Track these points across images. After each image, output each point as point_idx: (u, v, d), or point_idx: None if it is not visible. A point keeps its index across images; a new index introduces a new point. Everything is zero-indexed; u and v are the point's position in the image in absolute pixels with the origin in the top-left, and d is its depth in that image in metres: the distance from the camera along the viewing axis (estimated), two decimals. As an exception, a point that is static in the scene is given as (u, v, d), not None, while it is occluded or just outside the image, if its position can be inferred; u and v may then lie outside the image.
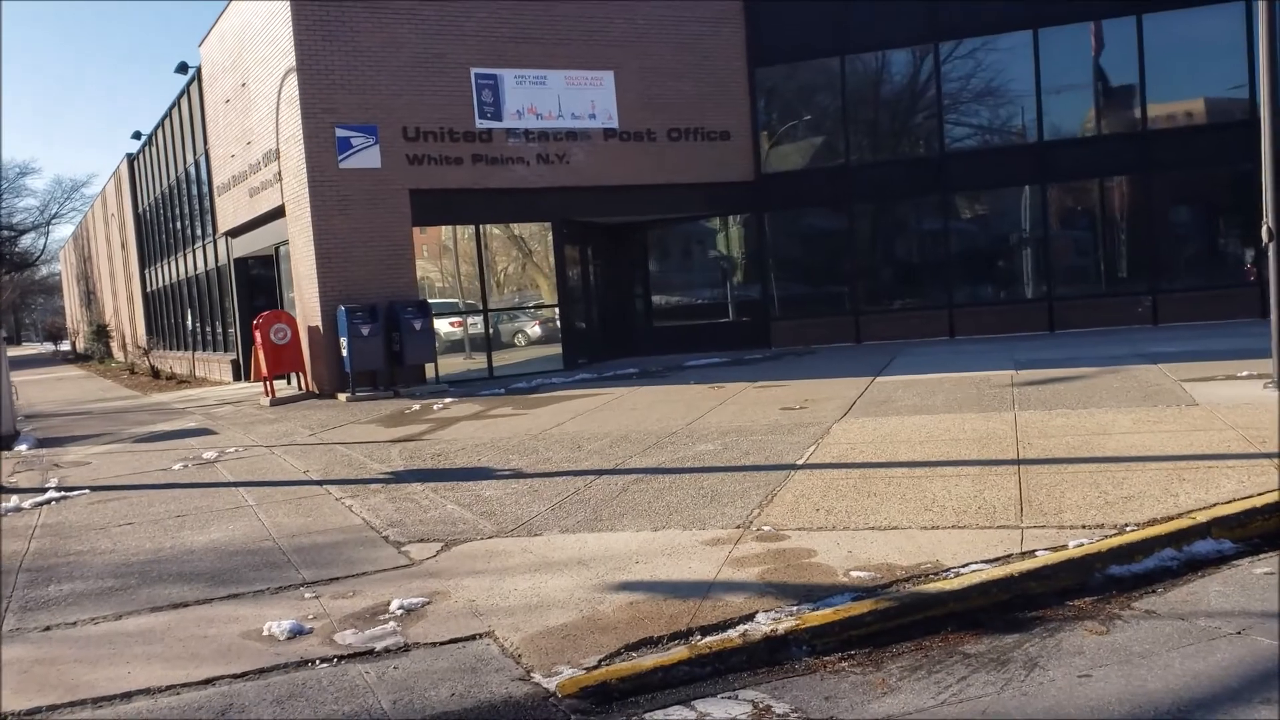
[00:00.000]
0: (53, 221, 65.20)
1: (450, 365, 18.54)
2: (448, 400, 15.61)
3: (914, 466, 8.24)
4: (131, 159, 35.81)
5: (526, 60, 18.31)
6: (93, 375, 36.11)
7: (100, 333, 44.49)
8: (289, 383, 19.21)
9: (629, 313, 21.94)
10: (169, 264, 31.63)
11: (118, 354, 42.54)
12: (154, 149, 31.63)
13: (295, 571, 6.63)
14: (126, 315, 41.28)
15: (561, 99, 18.62)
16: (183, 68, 24.31)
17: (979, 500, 6.96)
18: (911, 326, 19.66)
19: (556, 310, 19.53)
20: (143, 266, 36.34)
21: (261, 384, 18.05)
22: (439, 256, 19.86)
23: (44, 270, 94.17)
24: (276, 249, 20.33)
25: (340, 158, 17.03)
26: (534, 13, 18.34)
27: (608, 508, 7.69)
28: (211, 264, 25.88)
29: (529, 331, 20.81)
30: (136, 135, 32.28)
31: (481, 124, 18.00)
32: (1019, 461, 8.04)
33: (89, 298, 56.59)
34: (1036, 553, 5.73)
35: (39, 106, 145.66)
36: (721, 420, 11.57)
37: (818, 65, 20.10)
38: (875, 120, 20.02)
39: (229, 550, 7.36)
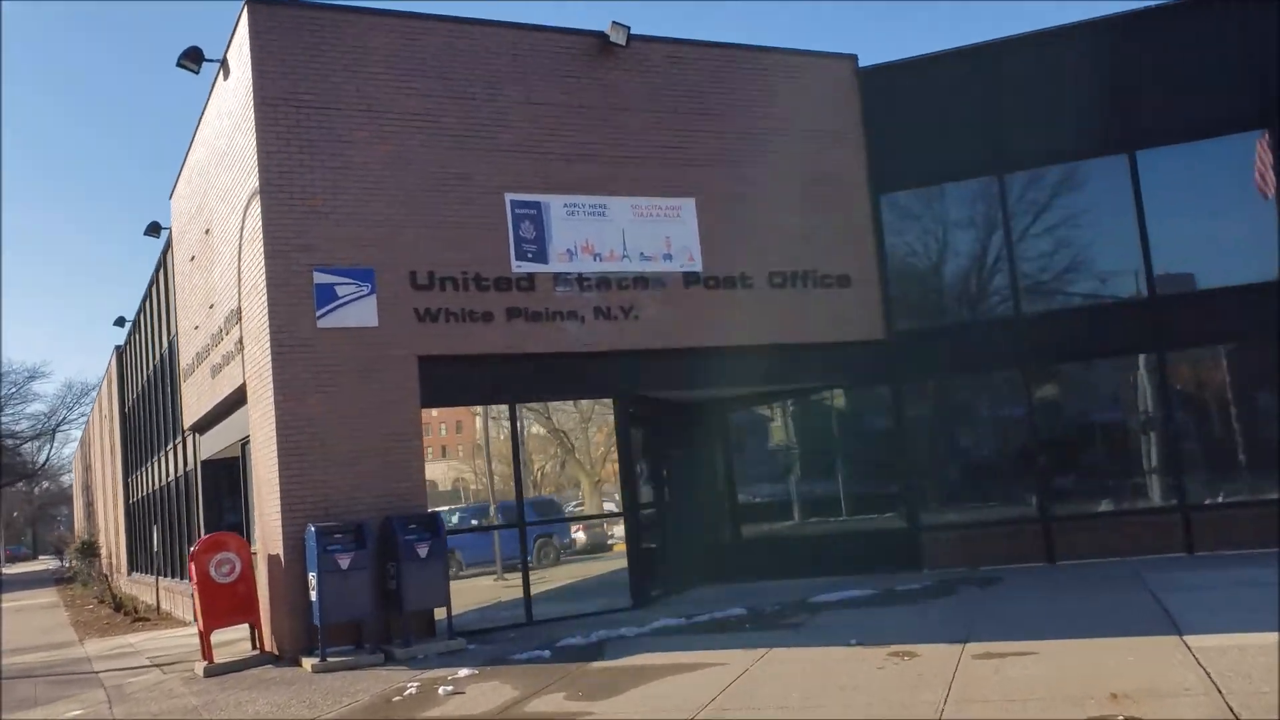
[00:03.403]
0: (59, 428, 60.91)
1: (469, 593, 12.92)
2: (462, 674, 9.86)
3: None
4: (120, 351, 31.47)
5: (581, 184, 13.51)
6: (60, 604, 30.59)
7: (87, 550, 39.10)
8: (257, 633, 13.44)
9: (714, 522, 16.33)
10: (146, 469, 26.60)
11: (108, 573, 37.13)
12: (139, 335, 27.19)
13: None
14: (113, 530, 36.08)
15: (627, 234, 13.70)
16: (154, 229, 19.92)
17: None
18: (1129, 539, 13.82)
19: (621, 521, 13.95)
20: (126, 473, 31.38)
21: (217, 634, 12.54)
22: (455, 448, 14.67)
23: (68, 479, 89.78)
24: (243, 447, 15.11)
25: (320, 313, 12.00)
26: (589, 122, 13.68)
27: None
28: (180, 469, 20.73)
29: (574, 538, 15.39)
30: (119, 322, 27.92)
31: (520, 267, 13.02)
32: None
33: (88, 510, 51.75)
34: None
35: (51, 305, 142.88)
36: (996, 758, 5.79)
37: (965, 188, 15.15)
38: (1052, 256, 14.86)
39: None
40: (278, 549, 11.82)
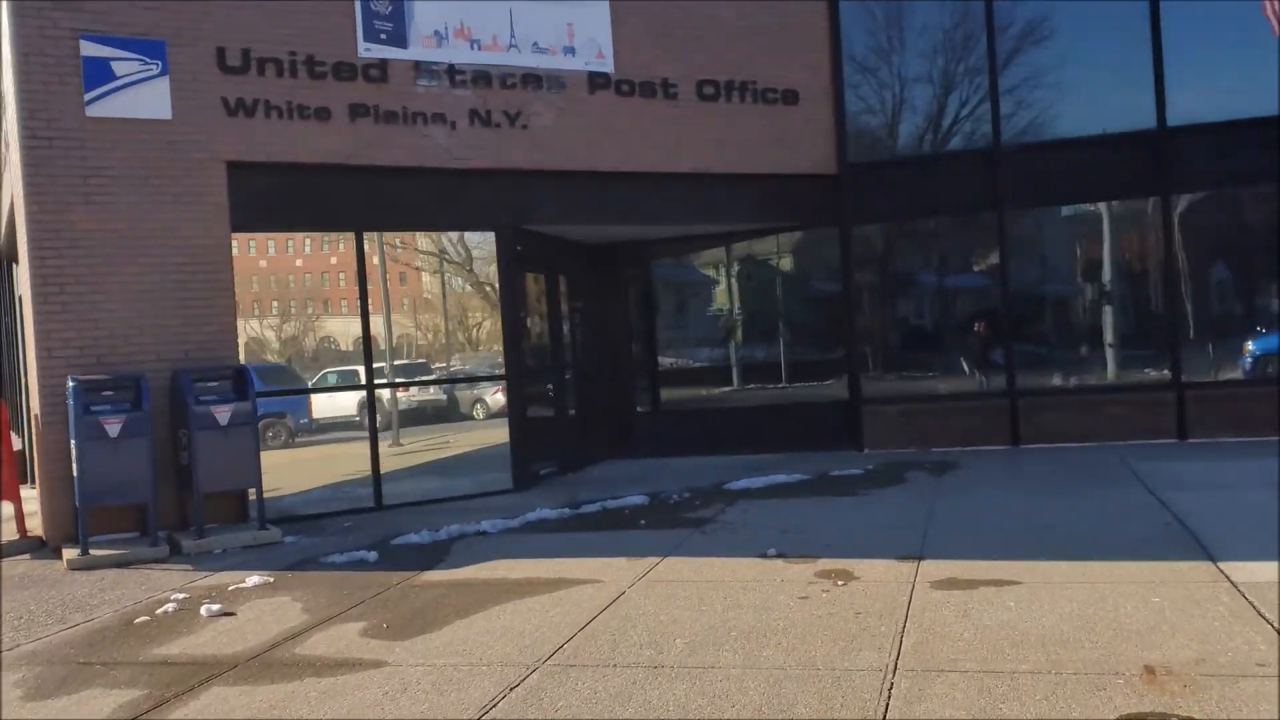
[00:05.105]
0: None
1: (343, 461, 10.55)
2: (250, 583, 7.35)
3: None
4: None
5: (455, -54, 10.38)
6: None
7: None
8: (18, 513, 10.79)
9: (623, 388, 13.83)
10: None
11: None
12: None
13: None
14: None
15: (516, 17, 10.66)
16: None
17: None
18: (1110, 419, 11.58)
19: (503, 385, 11.38)
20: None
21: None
22: (399, 302, 12.39)
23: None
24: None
25: (90, 97, 8.95)
26: None
27: None
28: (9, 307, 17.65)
29: (490, 402, 13.15)
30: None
31: (369, 50, 9.99)
32: None
33: None
34: None
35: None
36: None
37: (944, -18, 12.24)
38: (1042, 73, 12.09)
39: None
40: (38, 408, 9.08)
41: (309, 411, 11.14)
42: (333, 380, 12.35)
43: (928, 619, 5.50)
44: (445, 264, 14.54)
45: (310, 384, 12.14)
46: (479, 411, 13.55)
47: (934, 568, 6.56)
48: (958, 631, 5.27)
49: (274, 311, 16.29)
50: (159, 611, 6.75)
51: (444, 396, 14.16)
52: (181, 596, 7.09)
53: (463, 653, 5.47)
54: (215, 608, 6.67)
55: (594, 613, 6.03)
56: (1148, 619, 5.26)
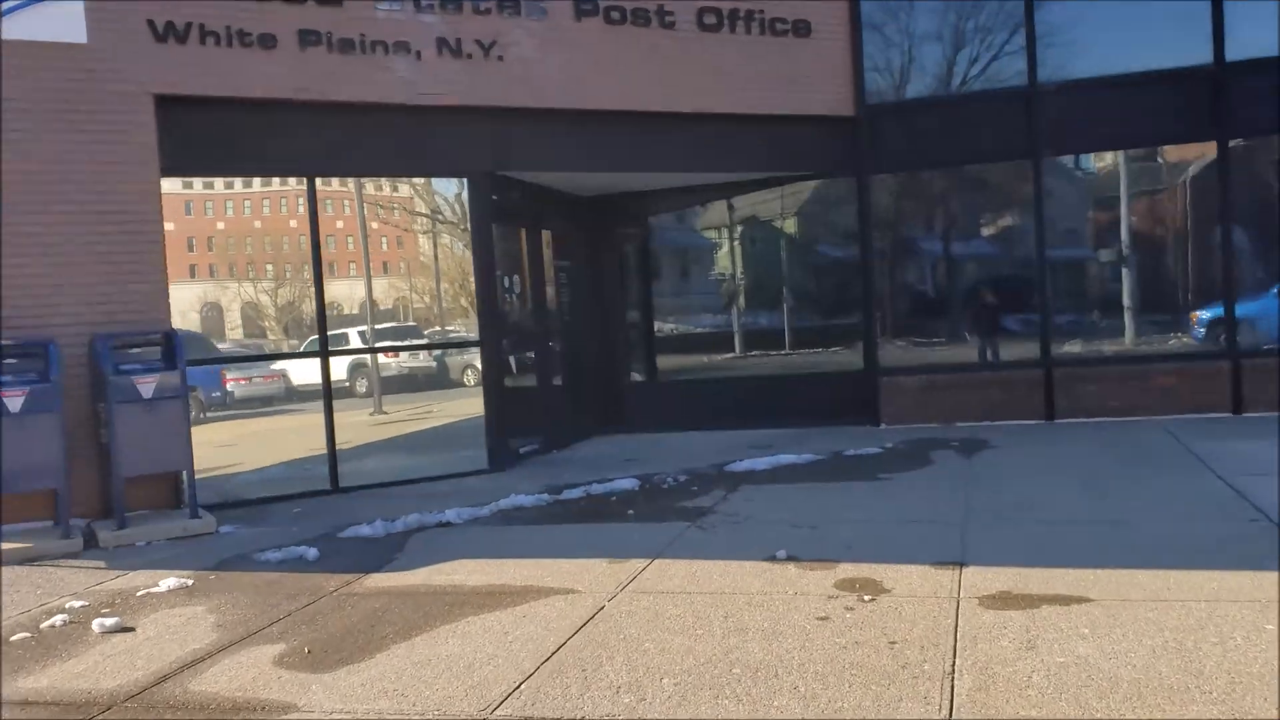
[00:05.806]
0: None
1: (288, 436, 9.48)
2: (164, 587, 6.20)
3: None
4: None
5: None
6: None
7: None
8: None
9: (616, 356, 12.65)
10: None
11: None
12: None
13: None
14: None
15: (491, -67, 9.35)
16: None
17: None
18: (1155, 392, 10.37)
19: (478, 352, 10.17)
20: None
21: None
22: (396, 265, 11.83)
23: None
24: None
25: (-11, 17, 7.70)
26: None
27: None
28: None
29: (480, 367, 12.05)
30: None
31: (320, -31, 8.70)
32: None
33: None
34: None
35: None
36: None
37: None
38: (1085, 8, 10.76)
39: None
40: (-64, 378, 7.89)
41: (222, 383, 9.95)
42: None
43: (982, 653, 4.34)
44: (438, 224, 13.42)
45: (301, 349, 11.22)
46: (469, 378, 12.51)
47: (980, 577, 5.40)
48: (1024, 672, 4.11)
49: (268, 275, 15.23)
50: (44, 625, 5.61)
51: (433, 362, 13.15)
52: (78, 605, 5.95)
53: (393, 693, 4.33)
54: (111, 622, 5.52)
55: (564, 636, 4.88)
56: (1269, 655, 4.10)
